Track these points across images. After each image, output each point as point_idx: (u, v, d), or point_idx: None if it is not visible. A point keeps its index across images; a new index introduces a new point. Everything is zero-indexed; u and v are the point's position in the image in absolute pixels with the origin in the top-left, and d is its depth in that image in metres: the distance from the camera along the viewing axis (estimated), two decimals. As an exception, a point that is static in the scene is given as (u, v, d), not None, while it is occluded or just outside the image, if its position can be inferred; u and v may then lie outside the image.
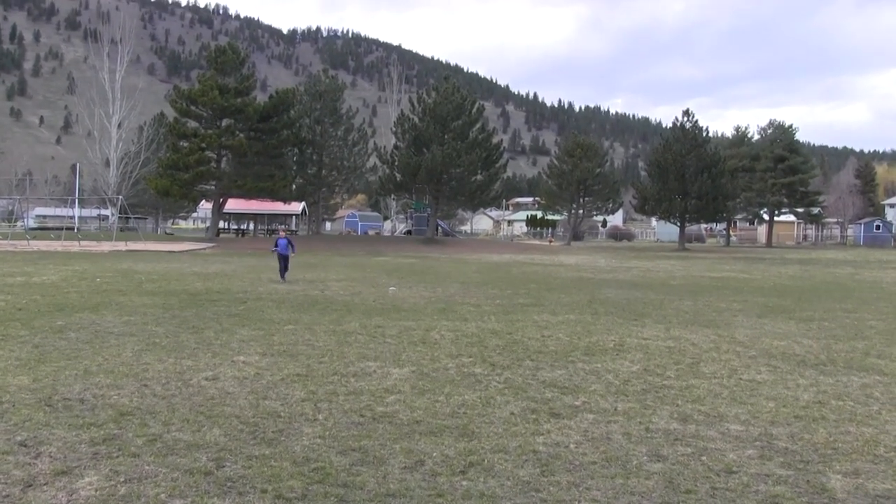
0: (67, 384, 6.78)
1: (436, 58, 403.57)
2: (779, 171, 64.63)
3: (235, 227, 66.55)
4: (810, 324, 12.19)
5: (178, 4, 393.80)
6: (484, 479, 4.57)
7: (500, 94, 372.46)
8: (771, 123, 71.70)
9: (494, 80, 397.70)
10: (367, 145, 58.40)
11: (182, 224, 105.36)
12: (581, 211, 66.18)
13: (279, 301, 13.93)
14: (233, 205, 53.67)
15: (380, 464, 4.79)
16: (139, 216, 66.16)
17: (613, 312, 13.21)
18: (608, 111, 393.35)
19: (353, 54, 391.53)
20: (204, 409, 6.05)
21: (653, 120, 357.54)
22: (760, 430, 5.78)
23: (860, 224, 72.42)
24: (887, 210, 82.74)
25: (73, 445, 5.04)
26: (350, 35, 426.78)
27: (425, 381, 7.22)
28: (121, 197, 45.57)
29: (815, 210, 68.54)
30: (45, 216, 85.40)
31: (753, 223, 77.68)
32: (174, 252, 33.26)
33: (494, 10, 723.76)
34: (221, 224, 57.70)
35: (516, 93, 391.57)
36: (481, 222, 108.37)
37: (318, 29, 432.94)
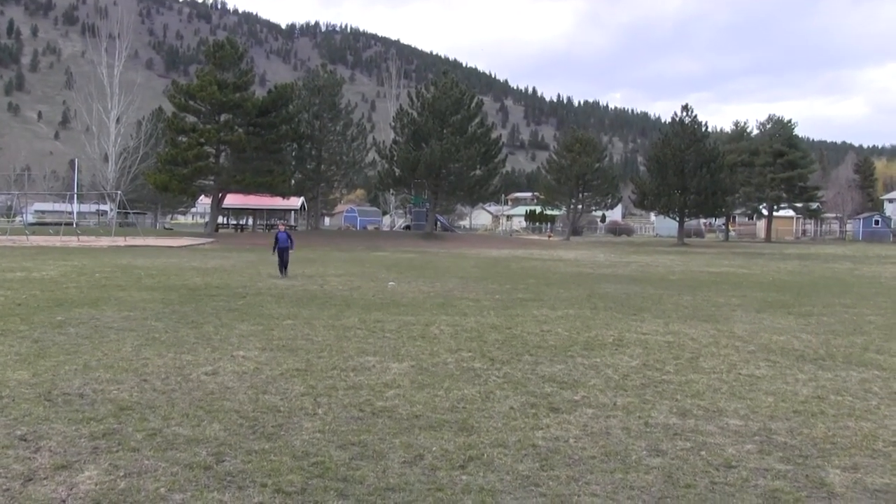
0: (67, 379, 6.78)
1: (434, 52, 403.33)
2: (778, 166, 64.62)
3: (234, 222, 66.47)
4: (809, 319, 12.20)
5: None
6: (483, 473, 4.58)
7: (498, 89, 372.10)
8: (770, 118, 71.75)
9: (493, 75, 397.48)
10: (366, 140, 58.26)
11: (181, 219, 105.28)
12: (580, 206, 66.13)
13: (278, 296, 13.93)
14: (232, 200, 53.60)
15: (379, 458, 4.79)
16: (138, 211, 66.05)
17: (612, 307, 13.21)
18: (607, 106, 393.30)
19: (351, 49, 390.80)
20: (203, 403, 6.05)
21: (652, 115, 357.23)
22: (759, 424, 5.79)
23: (859, 219, 72.46)
24: (886, 205, 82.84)
25: (73, 440, 5.04)
26: (349, 30, 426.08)
27: (424, 376, 7.22)
28: (119, 192, 45.44)
29: (814, 205, 68.57)
30: (43, 211, 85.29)
31: (752, 218, 77.73)
32: (173, 247, 33.24)
33: (493, 4, 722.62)
34: (220, 219, 57.61)
35: (515, 87, 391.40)
36: (480, 217, 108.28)
37: (317, 24, 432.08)
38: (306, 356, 8.10)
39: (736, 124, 75.27)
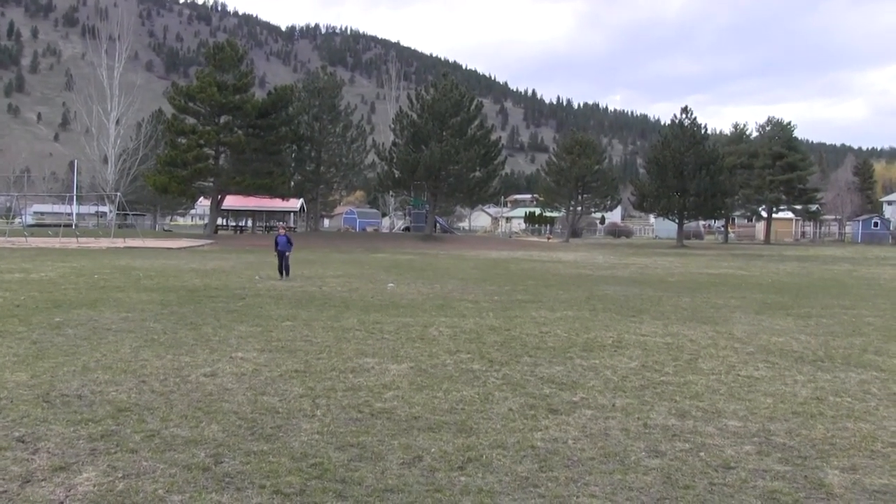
0: (65, 380, 6.77)
1: (434, 54, 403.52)
2: (777, 168, 64.65)
3: (234, 223, 66.47)
4: (808, 320, 12.20)
5: (177, 1, 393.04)
6: (482, 474, 4.57)
7: (498, 91, 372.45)
8: (769, 120, 71.74)
9: (493, 77, 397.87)
10: (366, 142, 58.30)
11: (180, 221, 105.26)
12: (579, 208, 66.17)
13: (277, 297, 13.92)
14: (231, 201, 53.63)
15: (378, 459, 4.79)
16: (137, 213, 66.01)
17: (612, 309, 13.21)
18: (607, 108, 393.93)
19: (351, 51, 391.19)
20: (202, 405, 6.04)
21: (651, 117, 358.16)
22: (758, 425, 5.78)
23: (858, 221, 72.44)
24: (885, 207, 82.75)
25: (71, 441, 5.04)
26: (348, 32, 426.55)
27: (423, 378, 7.22)
28: (119, 193, 45.48)
29: (814, 207, 68.56)
30: (42, 213, 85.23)
31: (752, 220, 77.71)
32: (172, 249, 33.23)
33: (493, 6, 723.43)
34: (220, 221, 57.63)
35: (515, 89, 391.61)
36: (479, 219, 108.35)
37: (317, 26, 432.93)
38: (305, 357, 8.10)
39: (735, 126, 75.36)
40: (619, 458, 4.92)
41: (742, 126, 74.83)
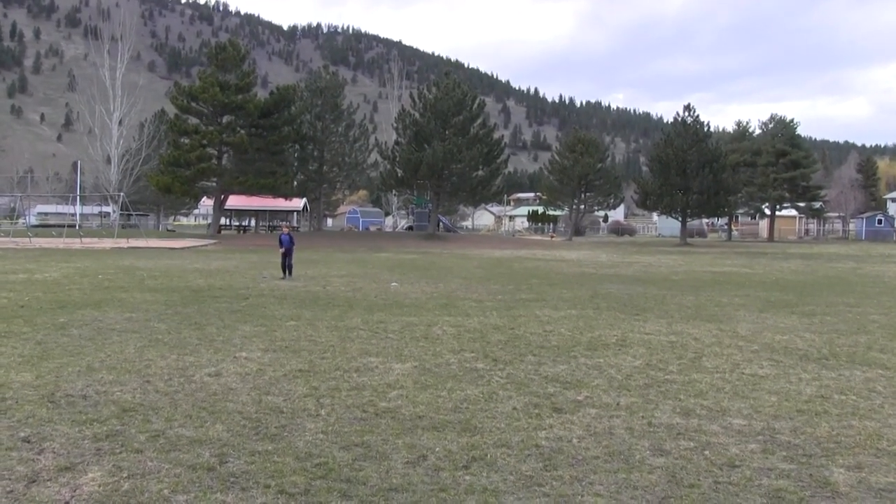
0: (70, 381, 6.79)
1: (436, 53, 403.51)
2: (780, 165, 64.48)
3: (237, 223, 66.56)
4: (812, 318, 12.17)
5: (178, 1, 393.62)
6: (487, 473, 4.57)
7: (500, 90, 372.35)
8: (772, 118, 71.55)
9: (495, 76, 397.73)
10: (368, 141, 58.31)
11: (183, 221, 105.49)
12: (582, 206, 66.12)
13: (281, 297, 13.93)
14: (234, 201, 53.69)
15: (382, 459, 4.79)
16: (141, 213, 66.17)
17: (615, 307, 13.20)
18: (609, 106, 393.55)
19: (353, 50, 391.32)
20: (206, 404, 6.05)
21: (654, 115, 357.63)
22: (763, 424, 5.77)
23: (862, 218, 72.26)
24: (889, 204, 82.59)
25: (77, 441, 5.05)
26: (350, 31, 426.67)
27: (427, 377, 7.22)
28: (122, 194, 45.52)
29: (817, 205, 68.39)
30: (46, 213, 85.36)
31: (755, 218, 77.50)
32: (176, 249, 33.28)
33: (494, 5, 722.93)
34: (223, 221, 57.71)
35: (517, 88, 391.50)
36: (482, 218, 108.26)
37: (319, 25, 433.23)
38: (309, 357, 8.10)
39: (738, 124, 75.18)
40: (624, 457, 4.92)
41: (745, 124, 74.65)
